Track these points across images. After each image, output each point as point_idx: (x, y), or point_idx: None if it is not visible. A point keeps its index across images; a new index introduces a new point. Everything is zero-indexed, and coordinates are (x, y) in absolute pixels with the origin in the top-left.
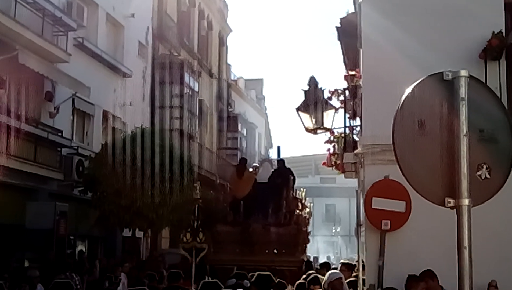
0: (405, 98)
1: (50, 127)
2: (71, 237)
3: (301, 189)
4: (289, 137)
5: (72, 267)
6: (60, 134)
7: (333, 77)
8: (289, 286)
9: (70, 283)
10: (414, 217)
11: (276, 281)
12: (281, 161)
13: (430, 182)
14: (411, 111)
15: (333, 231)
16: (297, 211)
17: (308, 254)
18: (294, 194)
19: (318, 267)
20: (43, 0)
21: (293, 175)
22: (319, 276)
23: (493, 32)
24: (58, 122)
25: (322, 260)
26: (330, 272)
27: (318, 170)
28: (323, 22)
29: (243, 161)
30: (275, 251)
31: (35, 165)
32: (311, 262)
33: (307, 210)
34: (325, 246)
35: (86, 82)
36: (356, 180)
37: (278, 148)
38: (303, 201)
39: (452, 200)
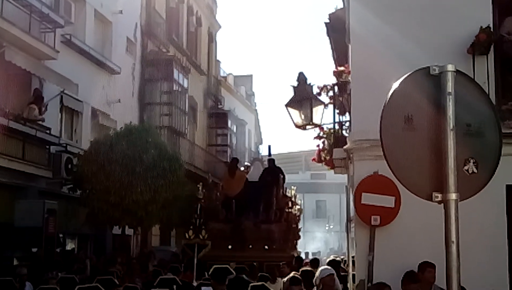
0: (392, 93)
1: (38, 125)
2: (61, 235)
3: (292, 187)
4: (279, 133)
5: (62, 266)
6: (48, 131)
7: (322, 73)
8: (279, 279)
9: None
10: (404, 212)
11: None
12: (271, 161)
13: (418, 177)
14: (398, 106)
15: (327, 227)
16: (287, 208)
17: (306, 249)
18: (284, 192)
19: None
20: None
21: (283, 174)
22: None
23: (481, 27)
24: (46, 120)
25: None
26: (321, 268)
27: (309, 166)
28: (312, 17)
29: (235, 160)
30: (266, 247)
31: (24, 162)
32: (301, 257)
33: (298, 207)
34: (317, 241)
35: (74, 79)
36: (346, 175)
37: (269, 147)
38: (293, 198)
39: (439, 195)
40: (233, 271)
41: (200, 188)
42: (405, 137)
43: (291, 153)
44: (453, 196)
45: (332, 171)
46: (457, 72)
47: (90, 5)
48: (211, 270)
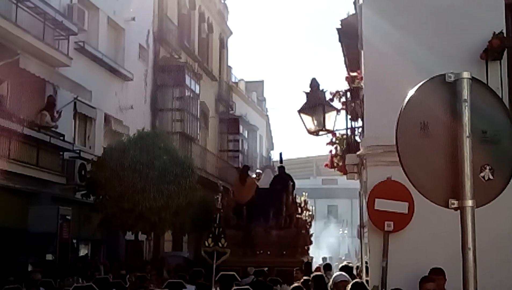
0: (407, 101)
1: (52, 131)
2: (74, 241)
3: (303, 193)
4: (290, 139)
5: (82, 271)
6: (62, 138)
7: (334, 79)
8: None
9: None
10: (417, 218)
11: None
12: (281, 168)
13: (434, 183)
14: (414, 113)
15: (340, 231)
16: (297, 214)
17: (320, 255)
18: (294, 198)
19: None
20: (44, 4)
21: (292, 181)
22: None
23: (494, 32)
24: (60, 126)
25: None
26: (336, 273)
27: (320, 171)
28: (324, 23)
29: (246, 168)
30: (276, 253)
31: (38, 169)
32: (310, 263)
33: (309, 213)
34: (329, 246)
35: (87, 86)
36: (358, 181)
37: (280, 154)
38: (303, 204)
39: (456, 202)
40: (239, 278)
41: (219, 199)
42: (421, 144)
43: (302, 159)
44: (469, 203)
45: (344, 176)
46: (473, 79)
47: (103, 12)
48: (218, 276)
